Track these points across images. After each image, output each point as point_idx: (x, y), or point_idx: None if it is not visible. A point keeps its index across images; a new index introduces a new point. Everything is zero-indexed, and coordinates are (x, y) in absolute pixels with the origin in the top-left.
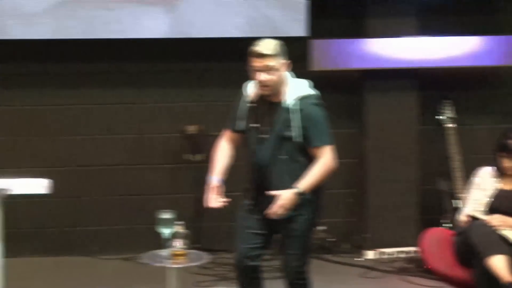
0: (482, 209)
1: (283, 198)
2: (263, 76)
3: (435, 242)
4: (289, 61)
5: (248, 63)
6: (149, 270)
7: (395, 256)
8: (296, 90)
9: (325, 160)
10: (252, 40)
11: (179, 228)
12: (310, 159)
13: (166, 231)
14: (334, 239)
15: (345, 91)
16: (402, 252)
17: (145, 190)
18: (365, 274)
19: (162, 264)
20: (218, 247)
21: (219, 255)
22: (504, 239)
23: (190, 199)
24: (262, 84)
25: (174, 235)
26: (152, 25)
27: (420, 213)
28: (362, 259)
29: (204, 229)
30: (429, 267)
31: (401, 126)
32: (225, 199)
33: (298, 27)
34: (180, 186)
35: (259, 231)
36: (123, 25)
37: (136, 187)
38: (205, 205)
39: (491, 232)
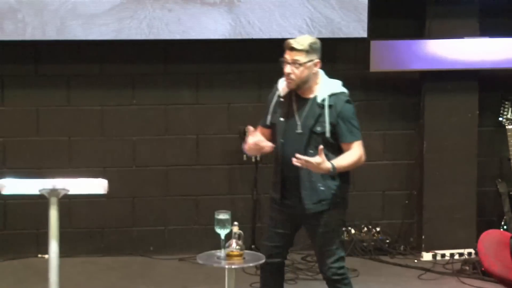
0: None
1: (316, 159)
2: (289, 69)
3: (493, 244)
4: (319, 60)
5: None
6: (205, 271)
7: (452, 258)
8: (327, 87)
9: (358, 152)
10: None
11: (235, 229)
12: (337, 156)
13: (222, 232)
14: (391, 241)
15: (404, 92)
16: (459, 254)
17: (202, 191)
18: (422, 276)
19: (218, 265)
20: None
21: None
22: None
23: (247, 200)
24: (287, 77)
25: (231, 236)
26: (212, 26)
27: (477, 214)
28: (419, 260)
29: (260, 230)
30: (486, 269)
31: (460, 128)
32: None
33: (358, 28)
34: (237, 186)
35: (283, 231)
36: (183, 26)
37: (193, 188)
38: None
39: None
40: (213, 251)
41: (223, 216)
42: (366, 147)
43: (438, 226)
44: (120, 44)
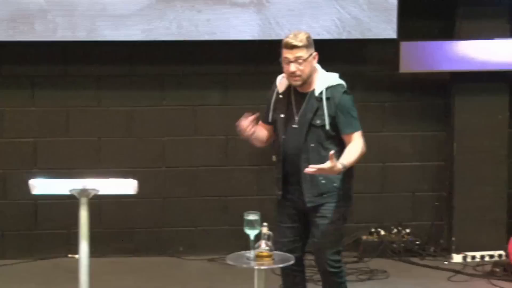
0: None
1: (327, 164)
2: (294, 67)
3: None
4: (316, 53)
5: (282, 54)
6: (234, 271)
7: (482, 259)
8: (325, 80)
9: (360, 143)
10: (340, 42)
11: (264, 230)
12: (338, 147)
13: (251, 232)
14: (420, 242)
15: (433, 94)
16: (489, 255)
17: (231, 191)
18: (452, 278)
19: (248, 265)
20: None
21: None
22: None
23: (276, 201)
24: (293, 75)
25: (260, 237)
26: (241, 27)
27: (508, 216)
28: (449, 262)
29: None
30: None
31: (490, 129)
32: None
33: (388, 29)
34: (266, 187)
35: (293, 224)
36: (212, 26)
37: (222, 188)
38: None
39: None
40: (242, 252)
41: (252, 217)
42: (396, 148)
43: (468, 228)
44: (149, 45)
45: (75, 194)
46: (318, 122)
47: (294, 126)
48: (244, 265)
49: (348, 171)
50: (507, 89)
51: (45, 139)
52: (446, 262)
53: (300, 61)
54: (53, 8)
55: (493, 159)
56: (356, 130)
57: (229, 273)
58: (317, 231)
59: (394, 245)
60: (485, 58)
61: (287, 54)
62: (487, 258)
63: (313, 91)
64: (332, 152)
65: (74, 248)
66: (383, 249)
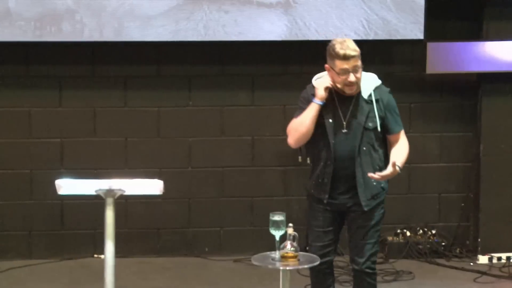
0: None
1: (389, 170)
2: (353, 77)
3: None
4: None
5: (335, 65)
6: (260, 272)
7: (508, 261)
8: (369, 81)
9: (407, 142)
10: (367, 42)
11: (290, 230)
12: (384, 148)
13: (277, 233)
14: (446, 243)
15: (461, 94)
16: None
17: (257, 192)
18: (478, 279)
19: (273, 266)
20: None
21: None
22: None
23: (302, 202)
24: (352, 84)
25: (285, 237)
26: (268, 28)
27: None
28: (475, 263)
29: None
30: None
31: None
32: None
33: (415, 30)
34: (292, 188)
35: (331, 228)
36: (239, 27)
37: (248, 189)
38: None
39: None
40: (268, 253)
41: (278, 217)
42: (423, 149)
43: (495, 229)
44: (176, 45)
45: (101, 194)
46: (370, 124)
47: (344, 130)
48: (270, 266)
49: None
50: None
51: (72, 139)
52: (472, 264)
53: (357, 69)
54: (81, 9)
55: None
56: (402, 128)
57: (254, 273)
58: (362, 232)
59: (420, 246)
60: None
61: (344, 65)
62: None
63: (360, 94)
64: (393, 161)
65: (100, 248)
66: (409, 250)
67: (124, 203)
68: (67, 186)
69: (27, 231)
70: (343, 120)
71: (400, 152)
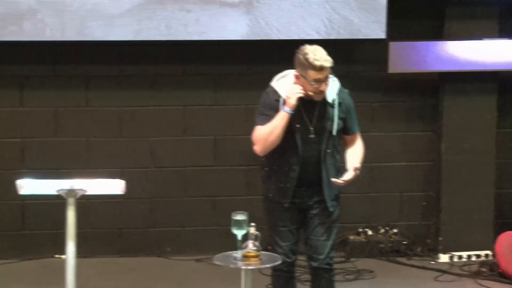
0: None
1: (351, 175)
2: (324, 86)
3: (510, 246)
4: None
5: (308, 75)
6: (222, 272)
7: (469, 259)
8: (332, 85)
9: (362, 142)
10: (330, 42)
11: (252, 230)
12: (342, 150)
13: (239, 233)
14: (408, 242)
15: (422, 94)
16: (476, 255)
17: (219, 192)
18: (439, 278)
19: (235, 266)
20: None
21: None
22: None
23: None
24: (320, 94)
25: (247, 237)
26: (231, 27)
27: (495, 216)
28: (436, 262)
29: None
30: (504, 271)
31: (479, 129)
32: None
33: (377, 29)
34: (254, 187)
35: (294, 227)
36: (202, 26)
37: (210, 189)
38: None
39: None
40: (230, 252)
41: (240, 217)
42: (385, 148)
43: (456, 228)
44: (139, 45)
45: (63, 194)
46: (335, 128)
47: (311, 135)
48: (231, 266)
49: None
50: (496, 90)
51: (33, 139)
52: (433, 262)
53: (328, 78)
54: (43, 8)
55: (481, 159)
56: (359, 129)
57: (217, 273)
58: (322, 229)
59: (382, 245)
60: (474, 58)
61: (318, 75)
62: (474, 258)
63: (324, 99)
64: (357, 165)
65: (61, 248)
66: (370, 249)
67: (86, 203)
68: (28, 186)
69: None
70: (309, 125)
71: (357, 154)
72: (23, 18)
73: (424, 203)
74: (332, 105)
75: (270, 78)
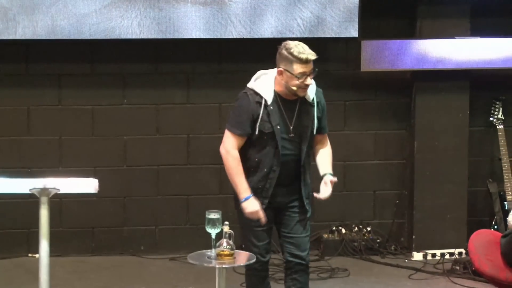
0: None
1: (330, 191)
2: (310, 80)
3: (483, 244)
4: None
5: (293, 68)
6: (196, 270)
7: (442, 257)
8: (311, 84)
9: (329, 144)
10: (302, 40)
11: (226, 228)
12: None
13: (213, 231)
14: (381, 240)
15: (395, 92)
16: (449, 253)
17: (193, 190)
18: (412, 276)
19: (209, 264)
20: None
21: None
22: None
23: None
24: (306, 88)
25: (221, 235)
26: (203, 25)
27: (468, 214)
28: (409, 260)
29: None
30: (477, 269)
31: (451, 127)
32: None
33: (349, 28)
34: (228, 186)
35: (268, 226)
36: (174, 25)
37: (184, 187)
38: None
39: None
40: (203, 251)
41: (213, 215)
42: (358, 146)
43: (429, 226)
44: (111, 43)
45: (35, 193)
46: (313, 127)
47: (291, 135)
48: (206, 264)
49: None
50: (468, 88)
51: (5, 138)
52: (406, 260)
53: (312, 72)
54: (14, 6)
55: (453, 157)
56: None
57: (190, 272)
58: (301, 226)
59: (355, 243)
60: (446, 56)
61: (304, 68)
62: (447, 256)
63: (303, 98)
64: (334, 179)
65: (34, 247)
66: (344, 248)
67: (59, 202)
68: (0, 185)
69: None
70: (289, 124)
71: (329, 159)
72: None
73: (397, 201)
74: (311, 104)
75: (243, 76)
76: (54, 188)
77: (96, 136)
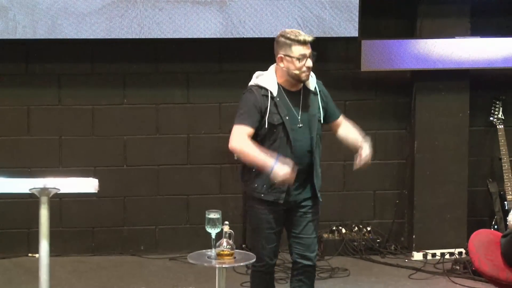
0: None
1: (368, 151)
2: (311, 62)
3: (483, 244)
4: None
5: (292, 51)
6: (196, 270)
7: (442, 257)
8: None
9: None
10: None
11: (226, 228)
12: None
13: (213, 231)
14: (381, 240)
15: (395, 92)
16: (449, 253)
17: (193, 190)
18: (412, 276)
19: (209, 264)
20: None
21: None
22: None
23: (238, 199)
24: (309, 69)
25: (221, 235)
26: (203, 25)
27: (468, 214)
28: (409, 260)
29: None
30: (477, 269)
31: (451, 127)
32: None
33: (349, 28)
34: (228, 186)
35: (279, 228)
36: (174, 25)
37: (184, 187)
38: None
39: None
40: (203, 251)
41: (213, 215)
42: None
43: (429, 226)
44: (111, 43)
45: (36, 193)
46: (319, 115)
47: (300, 125)
48: (206, 264)
49: None
50: (468, 88)
51: (6, 138)
52: (406, 260)
53: (311, 55)
54: (14, 6)
55: (453, 157)
56: (341, 112)
57: (190, 272)
58: (312, 227)
59: (355, 243)
60: (446, 56)
61: (304, 50)
62: (447, 256)
63: (306, 87)
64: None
65: (34, 247)
66: (344, 247)
67: (59, 202)
68: (1, 184)
69: None
70: (296, 115)
71: (354, 129)
72: None
73: (397, 201)
74: (315, 93)
75: (243, 76)
76: (54, 188)
77: (96, 136)
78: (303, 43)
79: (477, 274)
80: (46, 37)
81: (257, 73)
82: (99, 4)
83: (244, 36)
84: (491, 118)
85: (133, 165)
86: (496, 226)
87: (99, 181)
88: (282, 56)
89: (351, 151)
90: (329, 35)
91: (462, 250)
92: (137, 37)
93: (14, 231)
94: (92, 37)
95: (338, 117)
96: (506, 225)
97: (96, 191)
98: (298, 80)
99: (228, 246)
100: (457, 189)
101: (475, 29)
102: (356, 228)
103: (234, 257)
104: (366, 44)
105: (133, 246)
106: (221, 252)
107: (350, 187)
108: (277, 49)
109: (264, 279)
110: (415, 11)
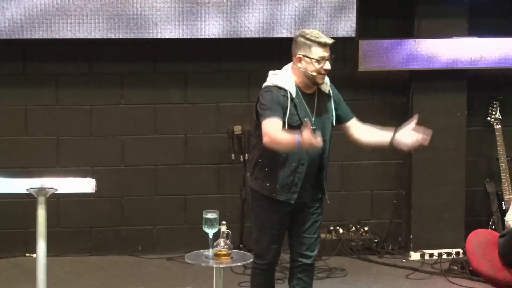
0: None
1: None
2: (329, 65)
3: (481, 244)
4: None
5: (312, 53)
6: (193, 270)
7: (440, 257)
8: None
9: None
10: None
11: (223, 228)
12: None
13: (210, 231)
14: (379, 240)
15: (392, 92)
16: (447, 253)
17: (190, 190)
18: (410, 276)
19: (206, 264)
20: None
21: None
22: None
23: (235, 199)
24: (327, 72)
25: (219, 235)
26: (200, 25)
27: (466, 214)
28: (407, 260)
29: (248, 229)
30: (474, 269)
31: (449, 127)
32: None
33: (347, 28)
34: (225, 186)
35: (283, 230)
36: (171, 25)
37: (181, 187)
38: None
39: None
40: (201, 251)
41: (211, 215)
42: (355, 146)
43: (427, 226)
44: (108, 43)
45: (33, 193)
46: (332, 119)
47: (313, 127)
48: (203, 264)
49: None
50: (465, 88)
51: (3, 138)
52: (404, 260)
53: (329, 58)
54: (12, 6)
55: (451, 157)
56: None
57: (188, 272)
58: (315, 227)
59: (353, 243)
60: (444, 56)
61: (323, 53)
62: (445, 256)
63: (321, 90)
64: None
65: (32, 247)
66: (341, 247)
67: (56, 202)
68: None
69: None
70: (311, 116)
71: (373, 128)
72: None
73: (394, 201)
74: (329, 96)
75: (241, 76)
76: (52, 188)
77: (93, 135)
78: (324, 45)
79: (474, 274)
80: (43, 37)
81: (272, 72)
82: (96, 4)
83: (242, 36)
84: (489, 118)
85: (131, 165)
86: (493, 226)
87: (96, 181)
88: (301, 56)
89: (384, 147)
90: (326, 35)
91: (460, 250)
92: (134, 37)
93: (11, 231)
94: (89, 37)
95: (351, 118)
96: (503, 225)
97: (94, 191)
98: (313, 82)
99: (225, 246)
100: (454, 189)
101: (473, 29)
102: (354, 228)
103: (232, 257)
104: (363, 44)
105: (130, 246)
106: (219, 252)
107: (348, 187)
108: (295, 49)
109: (264, 278)
110: (413, 11)
